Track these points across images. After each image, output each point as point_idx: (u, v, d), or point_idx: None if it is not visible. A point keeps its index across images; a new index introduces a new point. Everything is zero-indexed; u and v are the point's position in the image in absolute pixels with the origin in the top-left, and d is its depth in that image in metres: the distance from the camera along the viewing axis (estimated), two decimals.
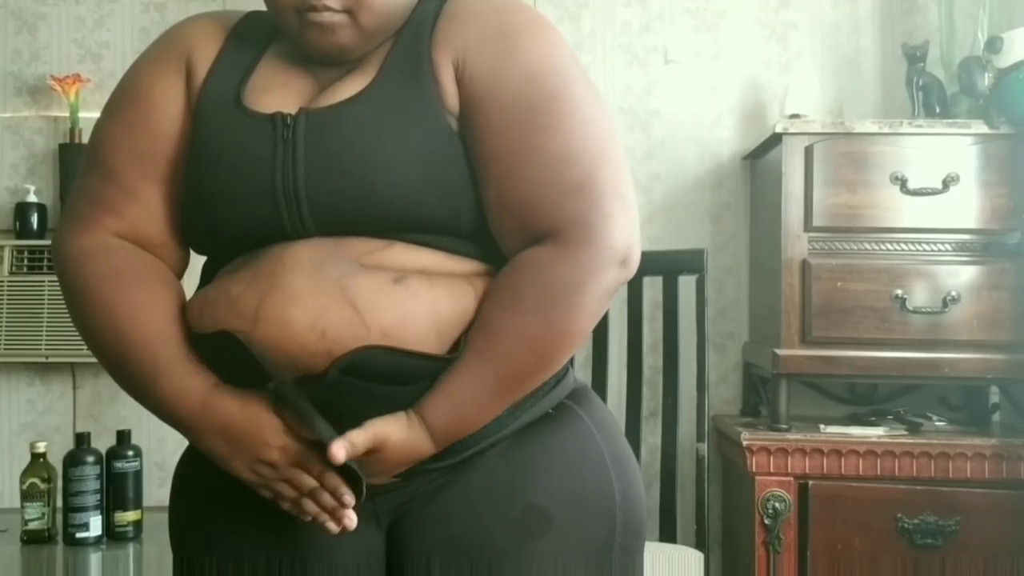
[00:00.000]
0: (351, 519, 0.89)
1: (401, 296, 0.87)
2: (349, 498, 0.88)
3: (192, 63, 0.99)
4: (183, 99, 0.98)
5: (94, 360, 0.98)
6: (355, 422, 0.88)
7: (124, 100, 1.00)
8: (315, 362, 0.86)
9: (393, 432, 0.89)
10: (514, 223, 0.91)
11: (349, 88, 0.94)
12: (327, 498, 0.89)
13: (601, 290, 0.90)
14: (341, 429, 0.87)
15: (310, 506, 0.90)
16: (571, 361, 1.03)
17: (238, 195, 0.92)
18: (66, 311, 0.99)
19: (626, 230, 0.90)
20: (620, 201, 0.90)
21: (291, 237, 0.91)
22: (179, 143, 0.98)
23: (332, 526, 0.90)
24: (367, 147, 0.90)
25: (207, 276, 0.99)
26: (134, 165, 0.98)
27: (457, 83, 0.93)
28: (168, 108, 0.98)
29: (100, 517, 2.02)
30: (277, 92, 0.96)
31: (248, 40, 1.01)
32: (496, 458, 0.96)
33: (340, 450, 0.84)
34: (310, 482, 0.89)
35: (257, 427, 0.89)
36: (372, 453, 0.89)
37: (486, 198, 0.92)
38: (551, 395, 0.99)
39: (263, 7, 0.99)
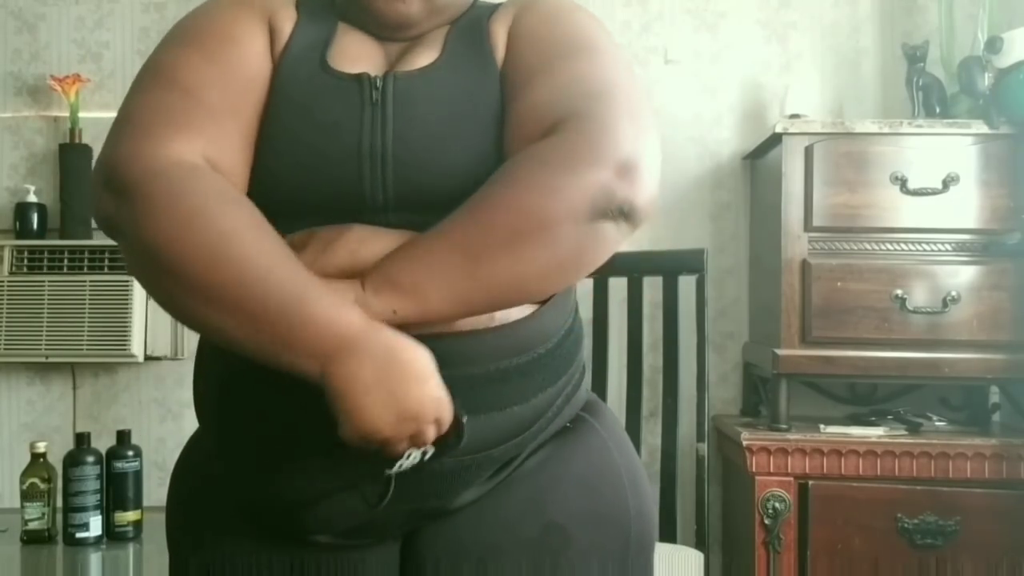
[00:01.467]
0: None
1: (483, 317, 0.87)
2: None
3: (275, 21, 0.96)
4: (266, 48, 0.94)
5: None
6: None
7: (202, 33, 0.93)
8: None
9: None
10: (528, 127, 0.87)
11: (419, 60, 0.95)
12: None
13: (588, 187, 0.81)
14: None
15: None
16: (583, 369, 1.02)
17: (323, 154, 0.89)
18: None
19: (632, 137, 0.84)
20: (633, 116, 0.87)
21: (366, 204, 0.88)
22: (259, 87, 0.92)
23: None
24: (451, 109, 0.91)
25: None
26: (216, 90, 0.88)
27: (508, 38, 0.96)
28: (252, 49, 0.93)
29: (100, 517, 2.02)
30: (361, 57, 0.96)
31: (317, 15, 1.00)
32: (516, 474, 0.94)
33: None
34: (428, 440, 0.80)
35: (419, 359, 0.78)
36: None
37: (509, 118, 0.90)
38: (571, 404, 0.98)
39: None
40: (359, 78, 0.93)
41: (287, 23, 0.97)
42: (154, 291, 0.83)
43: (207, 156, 0.85)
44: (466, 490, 0.92)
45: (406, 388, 0.77)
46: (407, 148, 0.89)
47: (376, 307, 0.81)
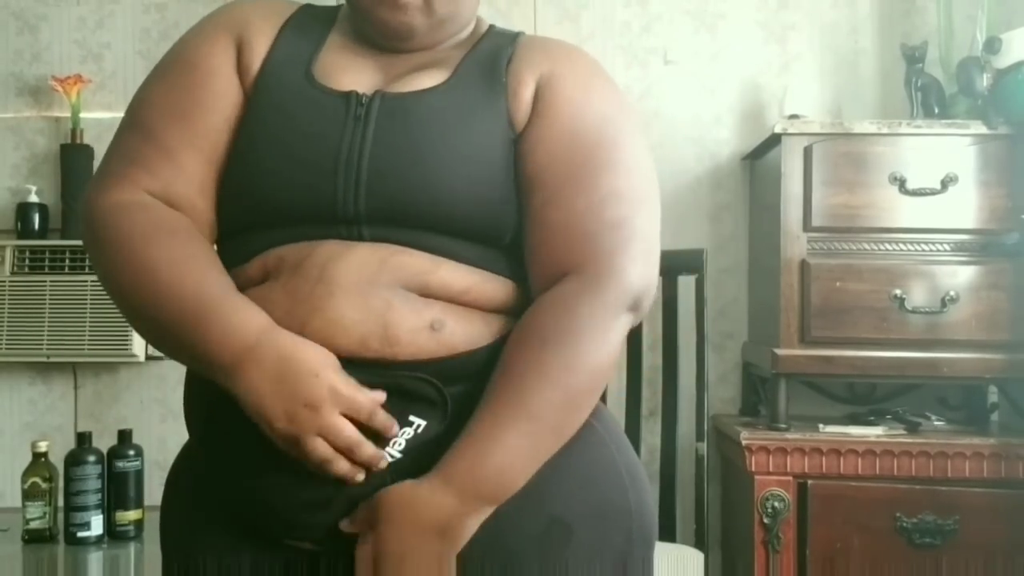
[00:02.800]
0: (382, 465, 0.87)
1: (435, 346, 0.89)
2: (383, 461, 0.86)
3: (246, 39, 0.98)
4: (232, 71, 0.97)
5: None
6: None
7: (169, 64, 0.99)
8: None
9: (393, 494, 0.86)
10: (546, 247, 0.93)
11: (423, 81, 0.96)
12: (367, 449, 0.85)
13: (620, 328, 0.91)
14: None
15: (341, 466, 0.85)
16: None
17: (300, 161, 0.91)
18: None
19: (646, 276, 0.93)
20: (647, 248, 0.94)
21: (338, 215, 0.90)
22: (225, 107, 0.96)
23: (360, 477, 0.86)
24: (436, 137, 0.92)
25: (235, 254, 0.96)
26: (174, 126, 0.95)
27: (535, 98, 0.96)
28: (216, 74, 0.97)
29: (101, 516, 2.03)
30: (352, 73, 0.97)
31: (306, 27, 1.01)
32: None
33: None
34: (348, 434, 0.84)
35: (311, 358, 0.84)
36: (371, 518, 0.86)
37: (526, 214, 0.94)
38: None
39: None
40: (347, 95, 0.94)
41: (261, 40, 0.98)
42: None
43: (157, 192, 0.93)
44: None
45: (297, 383, 0.83)
46: (381, 166, 0.90)
47: (463, 512, 0.86)
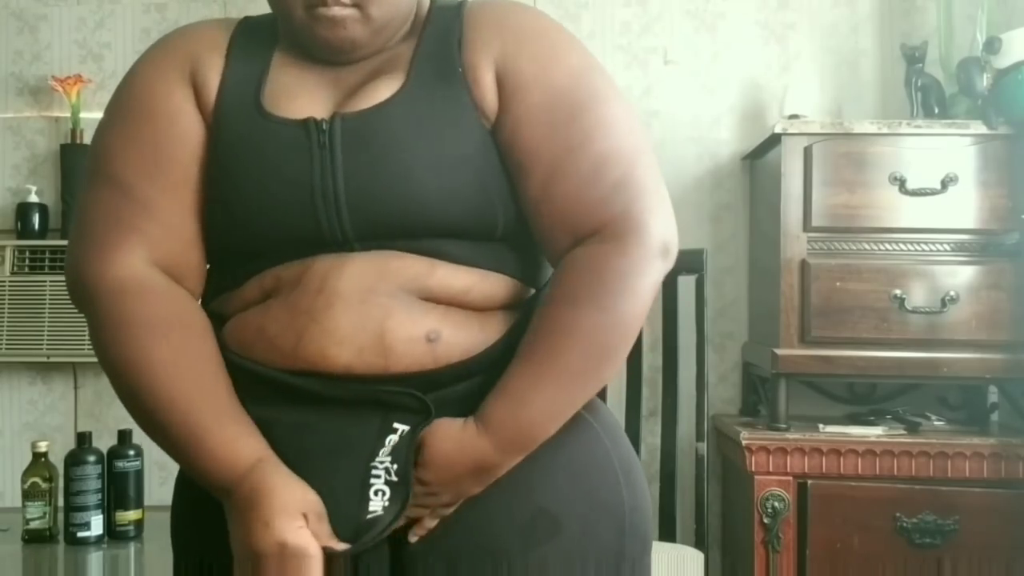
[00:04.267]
0: None
1: (428, 360, 0.90)
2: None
3: (198, 73, 0.96)
4: (193, 109, 0.95)
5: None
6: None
7: (128, 112, 0.97)
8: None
9: (439, 431, 0.89)
10: (559, 221, 0.93)
11: (379, 92, 0.93)
12: None
13: (650, 281, 0.92)
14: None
15: None
16: None
17: (275, 205, 0.91)
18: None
19: (665, 223, 0.93)
20: (657, 197, 0.93)
21: (327, 241, 0.91)
22: (191, 150, 0.95)
23: None
24: (407, 149, 0.90)
25: (229, 278, 0.97)
26: (148, 180, 0.94)
27: (498, 83, 0.94)
28: (178, 119, 0.95)
29: (101, 516, 2.02)
30: (303, 97, 0.95)
31: (251, 46, 0.99)
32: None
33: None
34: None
35: (273, 504, 0.86)
36: (420, 463, 0.89)
37: (527, 195, 0.94)
38: None
39: (262, 8, 1.00)
40: (305, 123, 0.92)
41: (212, 73, 0.96)
42: None
43: (154, 259, 0.93)
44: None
45: (250, 529, 0.86)
46: (359, 192, 0.90)
47: (497, 458, 0.90)
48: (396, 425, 0.90)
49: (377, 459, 0.89)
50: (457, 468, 0.90)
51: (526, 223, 0.96)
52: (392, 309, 0.89)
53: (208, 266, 0.99)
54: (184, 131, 0.95)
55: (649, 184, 0.93)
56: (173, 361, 0.90)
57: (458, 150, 0.92)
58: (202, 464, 0.89)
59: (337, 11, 0.91)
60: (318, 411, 0.90)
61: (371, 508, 0.88)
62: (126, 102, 0.97)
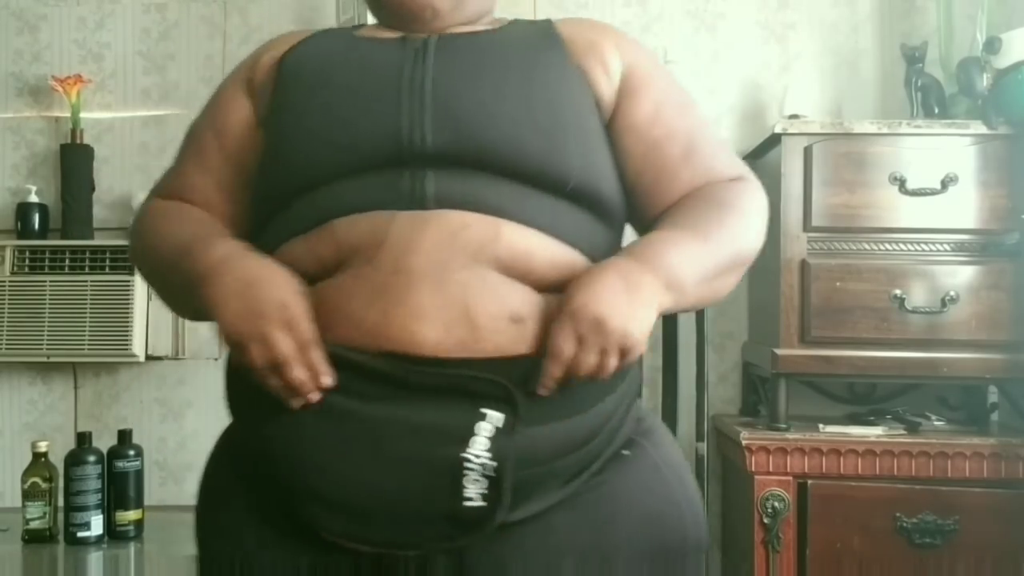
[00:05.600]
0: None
1: (515, 344, 0.87)
2: (327, 379, 0.86)
3: (260, 62, 1.04)
4: (245, 103, 1.04)
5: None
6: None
7: (208, 108, 1.09)
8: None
9: (586, 286, 0.87)
10: (700, 174, 1.01)
11: (475, 28, 1.01)
12: (296, 371, 0.85)
13: (764, 225, 1.03)
14: None
15: (272, 381, 0.86)
16: (640, 378, 1.05)
17: (358, 97, 0.94)
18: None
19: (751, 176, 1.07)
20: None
21: (404, 148, 0.91)
22: (243, 131, 1.04)
23: (296, 403, 0.86)
24: (497, 70, 0.94)
25: (289, 228, 0.95)
26: (209, 151, 1.06)
27: (627, 70, 1.02)
28: (235, 111, 1.05)
29: (101, 516, 2.03)
30: (395, 35, 1.01)
31: (330, 33, 1.07)
32: (570, 510, 0.92)
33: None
34: (283, 349, 0.85)
35: (272, 275, 0.89)
36: (574, 302, 0.86)
37: (670, 157, 1.01)
38: (630, 416, 0.99)
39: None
40: (401, 38, 0.98)
41: (267, 56, 1.04)
42: None
43: (188, 198, 1.06)
44: (525, 503, 0.89)
45: (253, 293, 0.87)
46: (446, 91, 0.92)
47: (651, 285, 0.90)
48: (484, 411, 0.85)
49: (470, 450, 0.85)
50: (607, 280, 0.87)
51: (595, 193, 0.97)
52: (470, 285, 0.87)
53: (268, 216, 1.00)
54: (240, 119, 1.05)
55: (729, 150, 1.09)
56: (182, 220, 1.01)
57: (544, 91, 0.95)
58: (192, 259, 0.92)
59: None
60: (401, 400, 0.86)
61: (467, 495, 0.84)
62: (211, 102, 1.10)
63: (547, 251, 0.92)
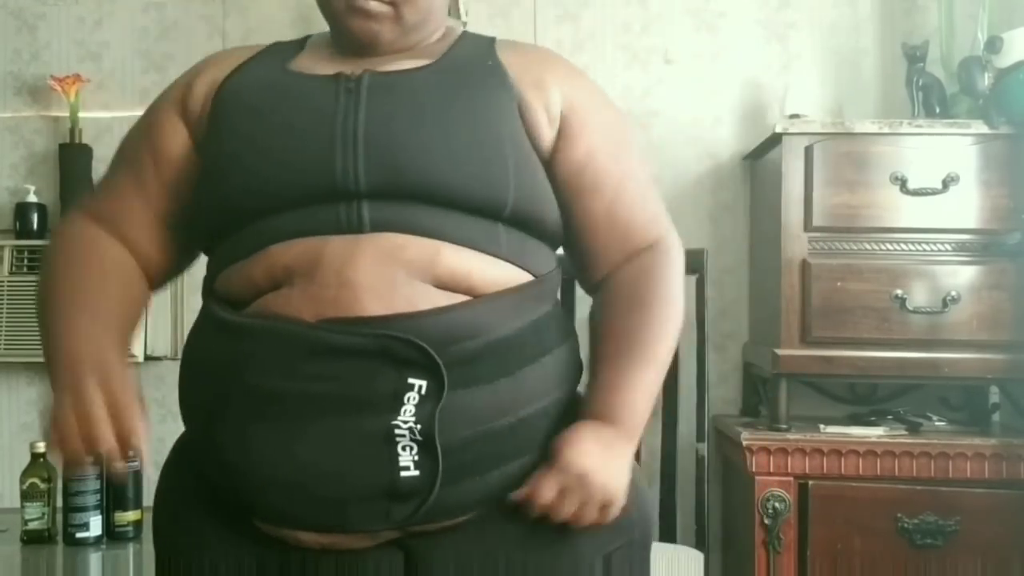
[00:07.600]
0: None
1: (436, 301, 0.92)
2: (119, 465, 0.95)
3: (194, 87, 1.04)
4: (177, 127, 1.04)
5: None
6: None
7: (131, 135, 1.10)
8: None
9: (571, 444, 0.94)
10: (618, 239, 1.05)
11: (409, 65, 1.00)
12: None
13: (682, 284, 1.08)
14: None
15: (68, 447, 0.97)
16: (579, 369, 1.06)
17: (294, 136, 0.94)
18: None
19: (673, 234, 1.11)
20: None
21: (338, 189, 0.91)
22: (176, 158, 1.04)
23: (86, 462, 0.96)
24: (430, 107, 0.94)
25: (227, 258, 0.98)
26: (125, 167, 1.07)
27: (567, 108, 1.02)
28: (165, 138, 1.04)
29: (100, 517, 2.02)
30: (332, 67, 1.00)
31: (275, 52, 1.07)
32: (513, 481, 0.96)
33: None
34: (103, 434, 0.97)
35: (112, 376, 0.97)
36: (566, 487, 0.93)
37: (593, 212, 1.04)
38: (571, 410, 1.01)
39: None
40: (334, 76, 0.97)
41: (203, 79, 1.04)
42: None
43: (122, 230, 1.05)
44: (467, 478, 0.92)
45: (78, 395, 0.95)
46: (380, 131, 0.92)
47: (620, 443, 1.00)
48: (411, 381, 0.88)
49: (400, 418, 0.88)
50: (611, 470, 0.96)
51: (533, 217, 0.99)
52: (414, 299, 0.90)
53: (206, 250, 1.04)
54: (172, 145, 1.04)
55: (659, 198, 1.09)
56: (74, 267, 1.02)
57: (480, 121, 0.95)
58: (51, 359, 0.96)
59: (374, 6, 0.98)
60: (331, 367, 0.89)
61: (402, 464, 0.88)
62: (136, 130, 1.11)
63: (487, 271, 0.94)
